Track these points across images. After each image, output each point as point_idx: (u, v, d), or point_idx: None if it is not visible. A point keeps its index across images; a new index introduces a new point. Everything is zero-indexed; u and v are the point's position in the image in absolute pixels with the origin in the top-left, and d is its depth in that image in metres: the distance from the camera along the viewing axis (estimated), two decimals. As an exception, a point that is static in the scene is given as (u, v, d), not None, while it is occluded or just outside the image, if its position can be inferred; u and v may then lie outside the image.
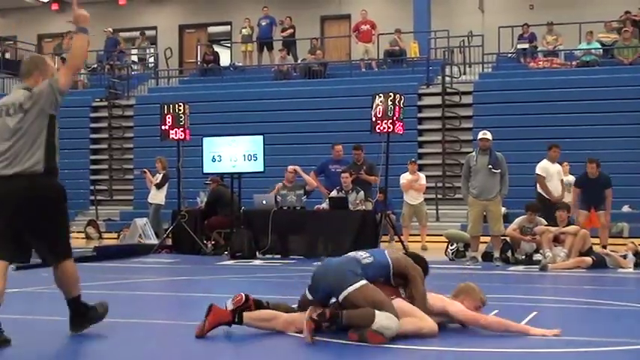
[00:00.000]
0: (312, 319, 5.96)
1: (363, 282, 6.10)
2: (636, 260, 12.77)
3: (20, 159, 5.96)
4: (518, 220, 13.96)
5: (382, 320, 5.89)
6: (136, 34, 30.68)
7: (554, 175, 14.87)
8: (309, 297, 6.36)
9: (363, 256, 6.38)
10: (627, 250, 13.13)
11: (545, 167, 14.89)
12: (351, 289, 6.07)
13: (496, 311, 7.21)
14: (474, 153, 13.80)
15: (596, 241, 14.17)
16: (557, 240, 13.09)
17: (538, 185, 14.94)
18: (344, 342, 5.88)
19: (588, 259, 12.63)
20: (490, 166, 13.20)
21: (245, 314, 6.38)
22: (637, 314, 7.97)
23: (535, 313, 6.97)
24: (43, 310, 7.85)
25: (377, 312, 5.93)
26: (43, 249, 6.22)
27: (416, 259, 6.67)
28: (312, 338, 5.94)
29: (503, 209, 15.49)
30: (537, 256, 13.28)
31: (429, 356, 5.53)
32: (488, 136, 13.48)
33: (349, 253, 6.55)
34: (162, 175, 18.13)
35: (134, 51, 29.81)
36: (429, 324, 6.04)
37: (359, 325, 5.94)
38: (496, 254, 13.43)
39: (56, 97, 6.01)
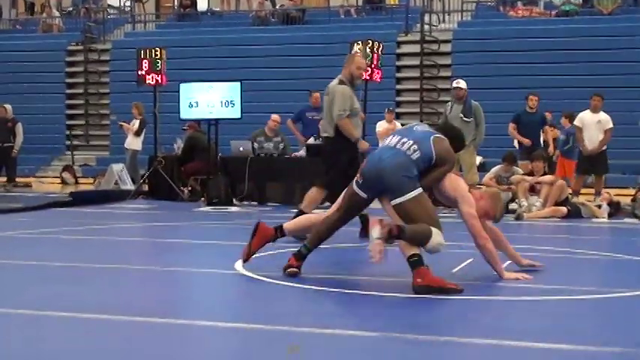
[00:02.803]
0: (380, 239, 5.87)
1: (419, 191, 6.09)
2: (610, 210, 12.88)
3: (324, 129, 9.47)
4: (494, 169, 14.03)
5: (437, 237, 5.94)
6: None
7: (590, 126, 14.66)
8: (363, 195, 6.31)
9: (412, 149, 6.18)
10: (602, 201, 13.23)
11: (581, 117, 14.72)
12: (407, 197, 6.05)
13: (470, 260, 7.27)
14: (450, 102, 13.83)
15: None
16: (533, 189, 13.16)
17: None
18: (359, 293, 5.91)
19: (563, 209, 12.72)
20: (462, 115, 13.22)
21: (285, 226, 6.69)
22: (610, 263, 8.06)
23: (509, 262, 6.99)
24: (16, 254, 7.83)
25: (433, 229, 5.94)
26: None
27: (452, 135, 6.60)
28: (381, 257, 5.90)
29: (479, 158, 15.57)
30: (513, 206, 13.36)
31: (456, 303, 5.57)
32: (462, 85, 13.48)
33: (396, 145, 6.28)
34: (139, 121, 18.02)
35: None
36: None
37: (418, 241, 5.91)
38: (472, 203, 13.47)
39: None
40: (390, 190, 6.14)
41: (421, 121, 21.26)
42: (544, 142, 15.31)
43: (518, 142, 15.07)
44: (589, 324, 5.03)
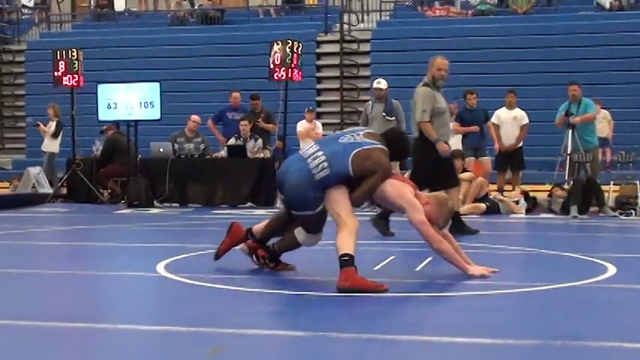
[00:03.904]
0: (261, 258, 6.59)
1: (309, 213, 6.18)
2: (528, 206, 13.15)
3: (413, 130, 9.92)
4: (414, 167, 14.16)
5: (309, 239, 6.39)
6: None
7: (507, 122, 14.93)
8: (281, 195, 6.58)
9: (319, 167, 6.05)
10: (517, 196, 13.50)
11: (497, 115, 15.04)
12: (301, 213, 6.24)
13: (392, 257, 7.33)
14: (370, 101, 13.95)
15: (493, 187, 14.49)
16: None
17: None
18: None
19: (482, 206, 12.95)
20: (384, 114, 13.36)
21: (254, 228, 6.69)
22: (528, 258, 8.23)
23: (430, 259, 7.08)
24: None
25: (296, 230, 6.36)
26: None
27: (396, 142, 6.49)
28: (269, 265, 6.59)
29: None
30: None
31: (379, 301, 5.58)
32: (382, 85, 13.63)
33: (308, 158, 6.14)
34: (55, 122, 17.71)
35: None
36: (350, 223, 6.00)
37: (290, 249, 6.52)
38: (393, 201, 13.59)
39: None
40: (288, 203, 6.35)
41: (342, 121, 21.51)
42: (489, 137, 15.29)
43: (462, 138, 15.10)
44: (508, 318, 5.12)
